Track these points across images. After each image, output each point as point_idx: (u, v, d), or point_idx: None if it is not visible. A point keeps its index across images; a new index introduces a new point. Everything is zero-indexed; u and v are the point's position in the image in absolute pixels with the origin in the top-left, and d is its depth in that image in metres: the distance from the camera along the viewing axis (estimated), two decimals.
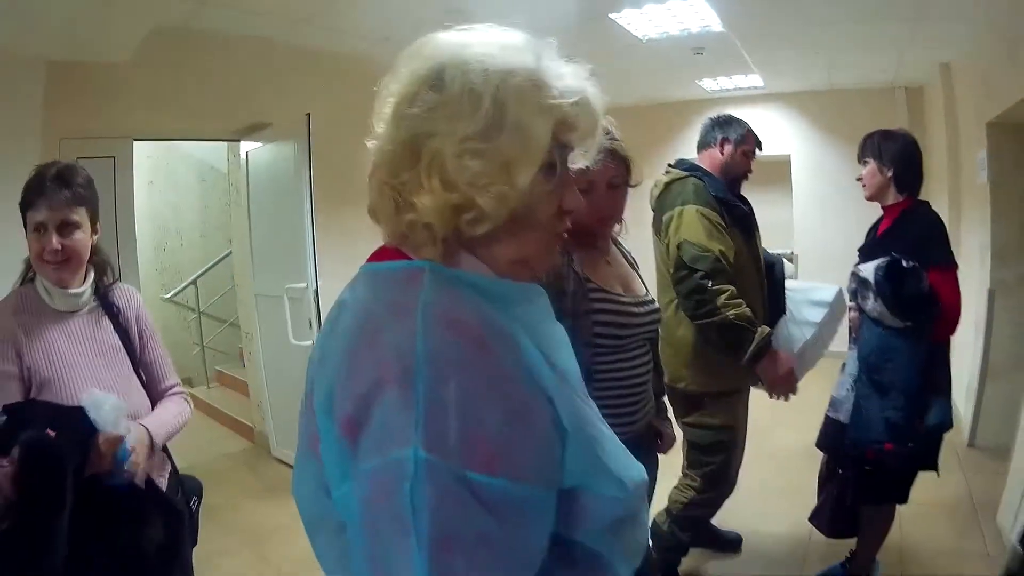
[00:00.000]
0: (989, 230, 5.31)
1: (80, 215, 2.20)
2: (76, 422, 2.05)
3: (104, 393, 2.13)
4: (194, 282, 7.94)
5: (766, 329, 3.17)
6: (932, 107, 7.52)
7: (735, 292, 3.11)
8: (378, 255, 1.08)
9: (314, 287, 5.09)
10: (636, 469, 1.08)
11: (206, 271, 7.96)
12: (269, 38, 5.43)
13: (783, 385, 3.25)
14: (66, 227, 2.17)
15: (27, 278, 2.29)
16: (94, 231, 2.29)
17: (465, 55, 0.98)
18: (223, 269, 7.86)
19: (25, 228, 2.20)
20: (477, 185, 0.95)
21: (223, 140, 6.01)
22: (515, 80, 0.96)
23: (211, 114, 5.45)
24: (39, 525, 1.90)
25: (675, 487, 3.48)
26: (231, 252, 7.26)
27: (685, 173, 3.43)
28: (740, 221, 3.41)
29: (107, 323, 2.35)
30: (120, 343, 2.35)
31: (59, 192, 2.15)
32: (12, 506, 1.85)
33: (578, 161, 1.11)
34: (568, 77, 1.01)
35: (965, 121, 6.25)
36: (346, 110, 3.74)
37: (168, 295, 8.00)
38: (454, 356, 0.88)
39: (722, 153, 3.52)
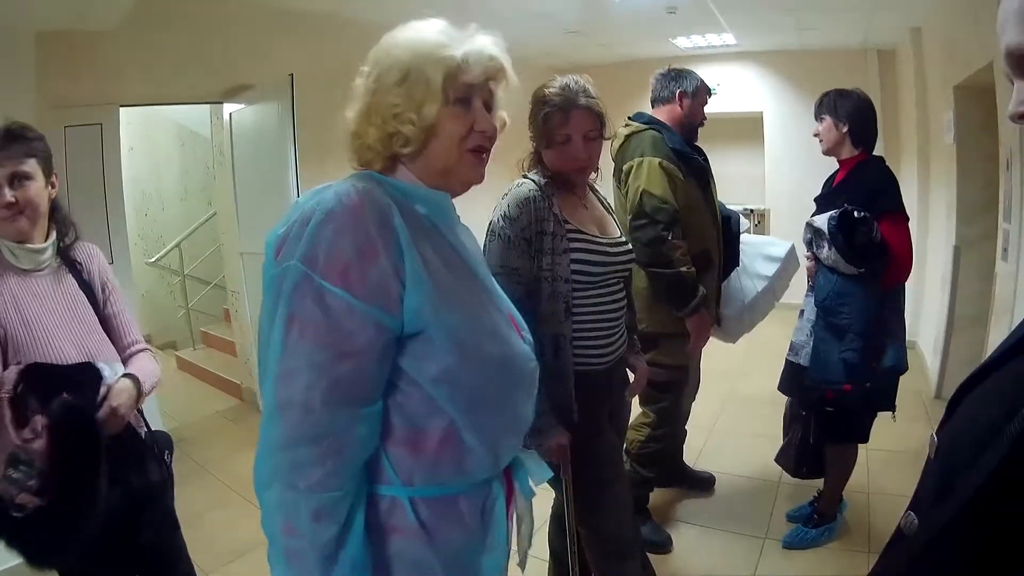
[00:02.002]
0: (955, 189, 5.44)
1: (31, 166, 2.18)
2: (86, 380, 2.10)
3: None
4: (178, 245, 7.96)
5: (702, 289, 3.36)
6: (903, 70, 7.65)
7: (687, 249, 3.30)
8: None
9: None
10: (501, 347, 1.47)
11: (190, 234, 7.99)
12: (251, 1, 5.49)
13: (702, 339, 3.54)
14: (18, 179, 2.15)
15: None
16: (49, 184, 2.27)
17: (392, 42, 1.44)
18: (206, 232, 7.93)
19: None
20: (399, 116, 1.40)
21: (208, 103, 6.02)
22: (418, 46, 1.41)
23: (195, 77, 5.48)
24: (80, 494, 1.97)
25: (631, 427, 3.54)
26: (215, 214, 7.32)
27: (644, 126, 3.53)
28: (697, 173, 3.53)
29: (71, 280, 2.32)
30: (86, 299, 2.33)
31: (7, 147, 2.14)
32: (49, 479, 1.89)
33: (505, 101, 1.54)
34: (468, 41, 1.44)
35: (933, 84, 6.39)
36: (327, 69, 3.84)
37: (152, 260, 8.01)
38: (336, 212, 1.28)
39: (681, 107, 3.62)
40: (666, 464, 3.95)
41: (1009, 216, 4.04)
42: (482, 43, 1.45)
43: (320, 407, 1.25)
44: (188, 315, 8.13)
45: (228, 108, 5.88)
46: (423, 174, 1.47)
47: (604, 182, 2.77)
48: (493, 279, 1.67)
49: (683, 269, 3.26)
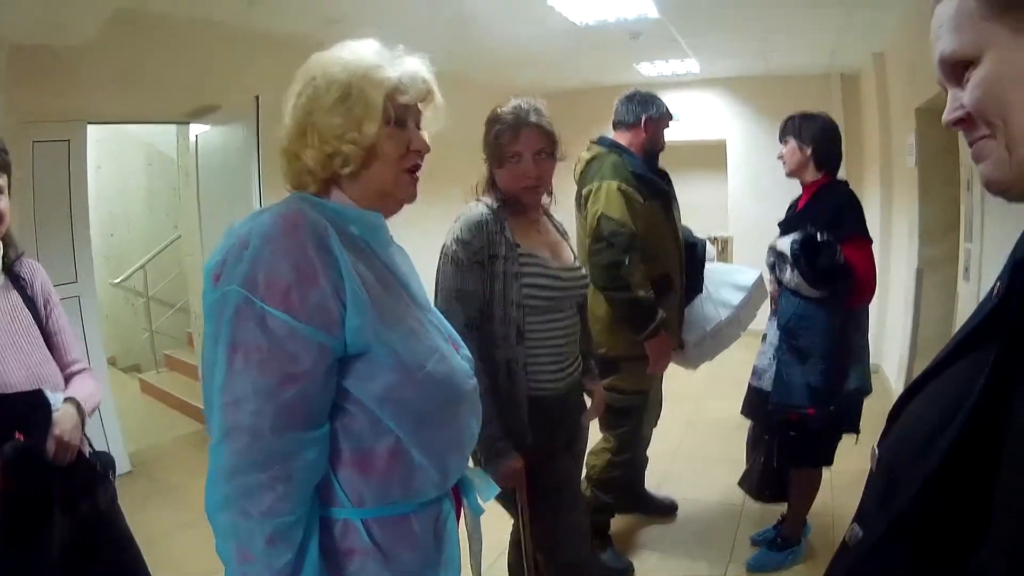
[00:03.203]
0: (917, 211, 5.49)
1: (4, 181, 2.13)
2: (35, 411, 2.05)
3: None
4: (143, 267, 7.87)
5: (661, 313, 3.38)
6: (866, 94, 7.75)
7: (645, 272, 3.32)
8: None
9: None
10: (441, 365, 1.46)
11: (155, 256, 7.90)
12: (222, 21, 5.48)
13: (662, 363, 3.57)
14: None
15: None
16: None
17: (328, 61, 1.45)
18: (170, 254, 7.83)
19: None
20: (340, 136, 1.40)
21: (174, 123, 6.01)
22: (358, 67, 1.42)
23: (163, 97, 5.46)
24: (32, 537, 1.94)
25: (591, 452, 3.54)
26: (179, 236, 7.27)
27: (605, 150, 3.57)
28: (659, 195, 3.55)
29: (16, 297, 2.25)
30: (31, 316, 2.26)
31: None
32: (4, 523, 1.87)
33: (431, 122, 1.57)
34: (400, 64, 1.47)
35: (896, 107, 6.46)
36: None
37: (116, 280, 7.92)
38: (273, 235, 1.29)
39: (646, 132, 3.63)
40: (625, 488, 3.93)
41: (970, 236, 4.08)
42: (415, 65, 1.50)
43: (268, 432, 1.25)
44: (152, 338, 8.04)
45: (195, 129, 5.85)
46: (359, 195, 1.49)
47: (559, 207, 2.78)
48: (428, 298, 1.67)
49: (640, 293, 3.28)
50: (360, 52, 1.45)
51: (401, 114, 1.46)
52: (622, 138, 3.64)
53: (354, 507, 1.39)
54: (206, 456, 4.25)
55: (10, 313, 2.20)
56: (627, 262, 3.25)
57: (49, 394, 2.12)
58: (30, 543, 1.94)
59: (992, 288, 0.91)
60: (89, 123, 5.10)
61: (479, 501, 1.71)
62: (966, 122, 0.87)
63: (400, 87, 1.44)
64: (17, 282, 2.29)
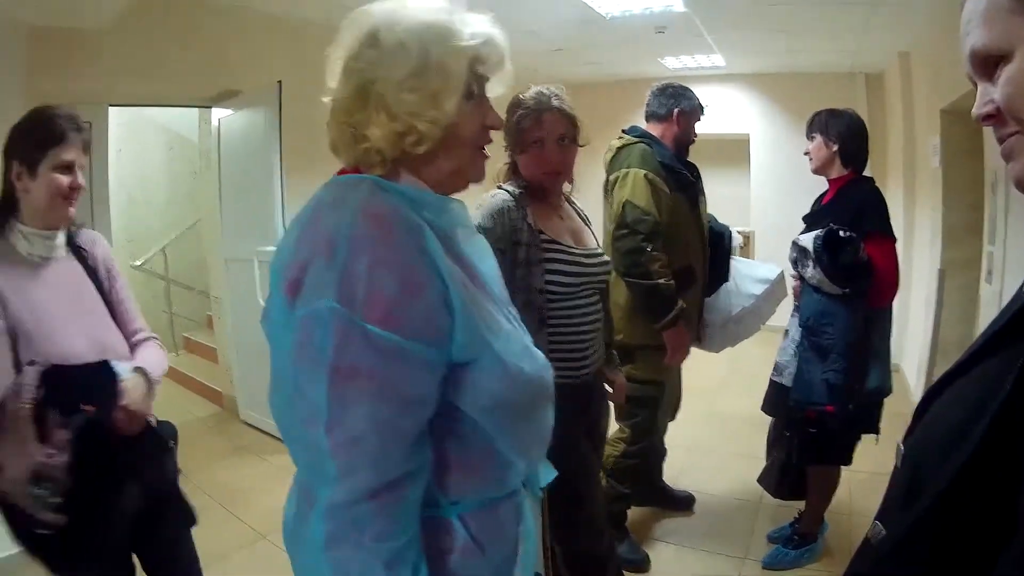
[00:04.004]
0: (940, 212, 5.46)
1: (86, 160, 2.22)
2: (102, 382, 2.07)
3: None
4: (163, 250, 7.92)
5: (681, 303, 3.37)
6: (891, 94, 7.69)
7: (667, 262, 3.32)
8: (341, 172, 1.36)
9: None
10: (533, 364, 1.37)
11: (175, 239, 7.95)
12: (243, 5, 5.49)
13: (680, 354, 3.55)
14: (80, 169, 2.18)
15: None
16: None
17: (394, 18, 1.25)
18: (191, 237, 7.87)
19: (33, 166, 2.13)
20: (415, 113, 1.24)
21: (195, 106, 5.99)
22: (434, 31, 1.24)
23: (185, 81, 5.46)
24: (101, 512, 1.99)
25: (607, 442, 3.47)
26: (200, 219, 7.29)
27: (636, 139, 3.58)
28: (686, 188, 3.56)
29: (78, 267, 2.28)
30: (93, 286, 2.29)
31: (81, 134, 2.19)
32: (70, 496, 1.89)
33: (495, 89, 1.40)
34: (476, 25, 1.30)
35: (920, 108, 6.42)
36: (315, 78, 3.83)
37: (137, 263, 7.96)
38: (368, 238, 1.14)
39: (678, 125, 3.66)
40: (643, 480, 3.93)
41: (994, 239, 4.06)
42: (487, 27, 1.32)
43: (392, 467, 1.16)
44: (171, 320, 8.08)
45: (216, 113, 5.85)
46: (432, 177, 1.34)
47: (584, 195, 2.77)
48: (505, 290, 1.54)
49: (660, 281, 3.28)
50: (429, 12, 1.28)
51: (479, 87, 1.33)
52: (654, 130, 3.66)
53: (450, 505, 1.31)
54: (222, 440, 4.29)
55: (72, 284, 2.25)
56: (649, 249, 3.26)
57: (116, 364, 2.14)
58: (99, 515, 1.99)
59: (1020, 289, 0.90)
60: (110, 106, 5.10)
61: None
62: (996, 118, 0.86)
63: (480, 56, 1.30)
64: (78, 253, 2.32)
